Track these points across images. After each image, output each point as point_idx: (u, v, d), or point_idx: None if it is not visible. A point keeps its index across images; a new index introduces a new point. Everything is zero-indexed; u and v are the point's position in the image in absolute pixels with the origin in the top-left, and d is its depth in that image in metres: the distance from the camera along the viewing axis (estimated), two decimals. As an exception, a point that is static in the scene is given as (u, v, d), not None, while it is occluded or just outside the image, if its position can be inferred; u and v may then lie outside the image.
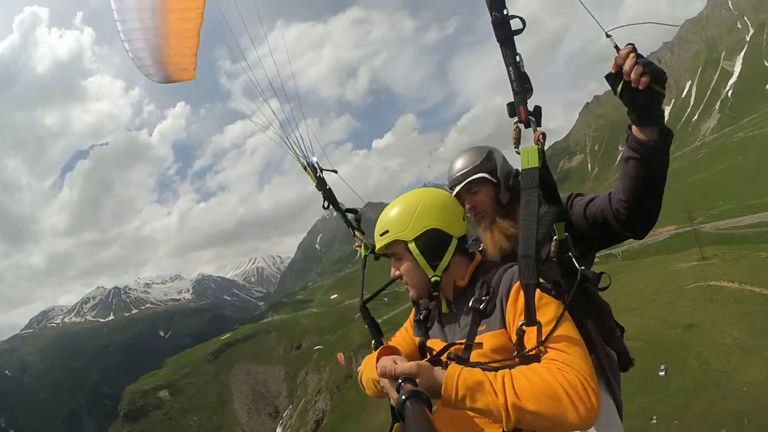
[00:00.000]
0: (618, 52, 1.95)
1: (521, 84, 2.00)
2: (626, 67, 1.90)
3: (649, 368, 41.91)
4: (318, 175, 3.69)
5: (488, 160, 2.84)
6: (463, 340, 2.25)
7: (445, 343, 2.31)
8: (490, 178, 2.81)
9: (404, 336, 2.77)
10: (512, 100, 2.06)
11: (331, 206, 3.66)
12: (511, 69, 2.00)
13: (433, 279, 2.34)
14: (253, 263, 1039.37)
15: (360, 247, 3.30)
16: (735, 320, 47.50)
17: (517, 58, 1.99)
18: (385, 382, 1.91)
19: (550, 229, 2.13)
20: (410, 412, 1.52)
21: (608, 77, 2.01)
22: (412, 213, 2.33)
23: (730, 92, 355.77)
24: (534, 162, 1.96)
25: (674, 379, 42.73)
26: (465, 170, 2.85)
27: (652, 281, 65.11)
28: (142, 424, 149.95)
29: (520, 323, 1.96)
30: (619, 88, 1.98)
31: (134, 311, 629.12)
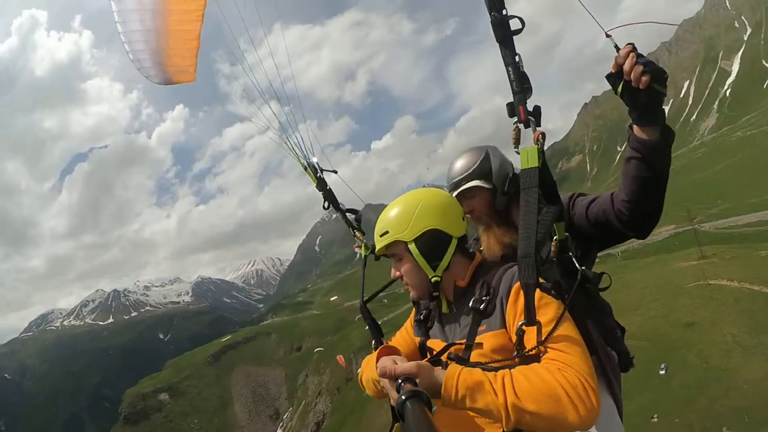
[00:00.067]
0: (618, 51, 1.94)
1: (521, 84, 2.00)
2: (626, 66, 1.90)
3: (649, 367, 41.93)
4: (318, 175, 3.69)
5: (484, 164, 2.82)
6: (464, 340, 2.24)
7: (445, 344, 2.31)
8: (485, 185, 2.79)
9: (404, 336, 2.77)
10: (511, 100, 2.06)
11: (331, 206, 3.67)
12: (510, 69, 2.00)
13: (433, 279, 2.34)
14: (253, 265, 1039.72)
15: (360, 247, 3.30)
16: (735, 318, 47.53)
17: (517, 59, 1.99)
18: (385, 382, 1.91)
19: (550, 229, 2.11)
20: (410, 412, 1.52)
21: (609, 77, 2.00)
22: (411, 213, 2.32)
23: (728, 91, 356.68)
24: (534, 162, 1.96)
25: (675, 377, 42.75)
26: (459, 177, 2.85)
27: (651, 280, 65.10)
28: (143, 426, 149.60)
29: (520, 323, 1.96)
30: (619, 88, 1.98)
31: (134, 314, 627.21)
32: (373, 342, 2.87)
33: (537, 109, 2.02)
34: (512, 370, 1.80)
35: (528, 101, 2.03)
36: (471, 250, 2.58)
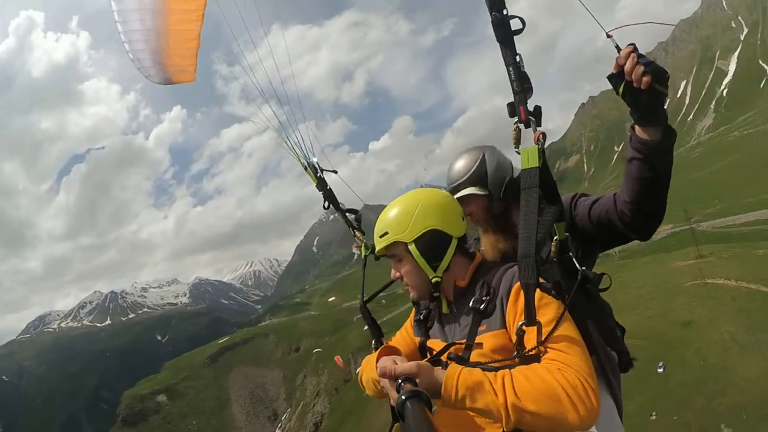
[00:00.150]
0: (619, 52, 1.94)
1: (521, 84, 1.99)
2: (627, 67, 1.89)
3: (647, 365, 42.06)
4: (318, 175, 3.68)
5: (479, 170, 2.78)
6: (464, 340, 2.23)
7: (445, 344, 2.30)
8: (479, 192, 2.76)
9: (404, 336, 2.76)
10: (511, 100, 2.05)
11: (331, 206, 3.64)
12: (511, 69, 1.99)
13: (433, 280, 2.33)
14: (251, 266, 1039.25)
15: (360, 247, 3.29)
16: (732, 317, 47.71)
17: (517, 58, 1.99)
18: (385, 382, 1.90)
19: (550, 229, 2.11)
20: (410, 412, 1.52)
21: (610, 78, 2.00)
22: (411, 214, 2.31)
23: (725, 91, 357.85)
24: (534, 162, 1.96)
25: (673, 375, 42.90)
26: (455, 184, 2.83)
27: (649, 280, 65.28)
28: (141, 428, 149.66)
29: (520, 323, 1.95)
30: (621, 89, 1.97)
31: (131, 315, 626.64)
32: (373, 342, 2.86)
33: (537, 109, 2.02)
34: (512, 370, 1.80)
35: (528, 101, 2.02)
36: (471, 250, 2.57)
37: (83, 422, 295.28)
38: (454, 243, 2.33)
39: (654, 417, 39.03)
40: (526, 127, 2.03)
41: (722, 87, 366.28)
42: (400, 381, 1.77)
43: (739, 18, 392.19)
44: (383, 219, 2.40)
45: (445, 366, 1.88)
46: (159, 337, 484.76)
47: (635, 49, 1.90)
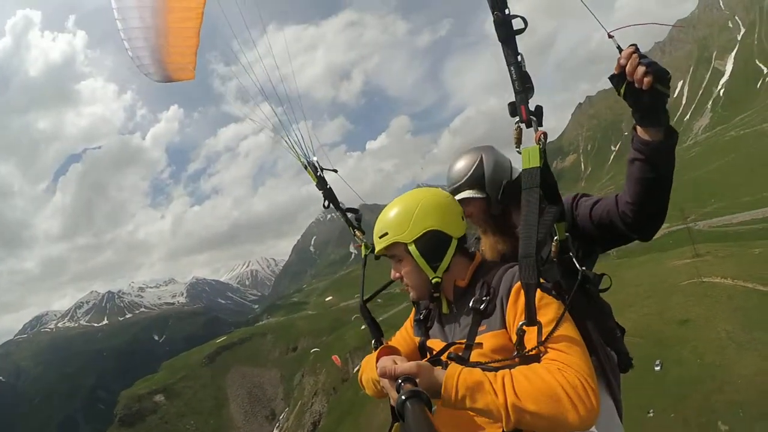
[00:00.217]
0: (620, 52, 1.93)
1: (523, 84, 1.98)
2: (629, 67, 1.89)
3: (644, 363, 42.25)
4: (318, 174, 3.66)
5: (476, 173, 2.79)
6: (464, 340, 2.23)
7: (445, 344, 2.29)
8: (477, 195, 2.77)
9: (404, 336, 2.75)
10: (512, 99, 2.05)
11: (331, 205, 3.62)
12: (512, 69, 1.99)
13: (433, 280, 2.32)
14: (248, 266, 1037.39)
15: (361, 246, 3.28)
16: (728, 315, 47.93)
17: (519, 58, 1.98)
18: (385, 382, 1.90)
19: (550, 229, 2.09)
20: (410, 412, 1.52)
21: (612, 78, 1.99)
22: (411, 214, 2.29)
23: (721, 91, 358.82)
24: (535, 162, 1.96)
25: (670, 373, 43.09)
26: (453, 187, 2.84)
27: (646, 278, 65.43)
28: (138, 428, 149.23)
29: (520, 323, 1.95)
30: (622, 89, 1.96)
31: (128, 315, 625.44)
32: (373, 342, 2.83)
33: (539, 108, 2.01)
34: (512, 370, 1.80)
35: (529, 101, 2.02)
36: (471, 250, 2.56)
37: (80, 422, 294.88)
38: (454, 243, 2.32)
39: (651, 414, 39.22)
40: (528, 127, 2.02)
41: (719, 87, 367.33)
42: (400, 381, 1.77)
43: (736, 18, 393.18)
44: (383, 219, 2.38)
45: (445, 366, 1.87)
46: (156, 337, 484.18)
47: (637, 50, 1.89)
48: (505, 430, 1.76)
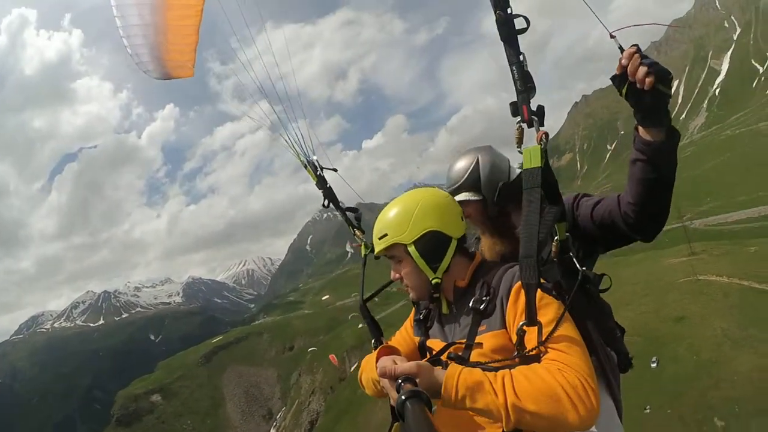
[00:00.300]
0: (622, 52, 1.92)
1: (525, 83, 1.98)
2: (631, 68, 1.88)
3: (641, 360, 42.42)
4: (318, 173, 3.64)
5: (472, 175, 2.79)
6: (464, 340, 2.22)
7: (445, 343, 2.29)
8: (473, 198, 2.77)
9: (404, 336, 2.75)
10: (512, 99, 2.04)
11: (331, 204, 3.60)
12: (514, 68, 1.98)
13: (433, 281, 2.32)
14: (244, 265, 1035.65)
15: (361, 246, 3.26)
16: (724, 312, 48.16)
17: (521, 58, 1.98)
18: (385, 382, 1.90)
19: (551, 230, 2.08)
20: (410, 412, 1.52)
21: (614, 79, 1.97)
22: (410, 215, 2.28)
23: (717, 91, 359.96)
24: (537, 162, 1.94)
25: (666, 370, 43.30)
26: (451, 189, 2.84)
27: (642, 277, 65.63)
28: (136, 428, 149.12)
29: (520, 323, 1.95)
30: (624, 90, 1.95)
31: (124, 315, 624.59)
32: (373, 341, 2.82)
33: (540, 108, 2.01)
34: (512, 370, 1.80)
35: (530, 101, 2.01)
36: (471, 250, 2.56)
37: (77, 422, 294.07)
38: (453, 244, 2.31)
39: (648, 410, 39.42)
40: (529, 127, 2.01)
41: (715, 86, 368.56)
42: (400, 381, 1.77)
43: (732, 18, 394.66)
44: (382, 220, 2.37)
45: (445, 366, 1.87)
46: (152, 337, 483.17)
47: (638, 50, 1.89)
48: (505, 430, 1.76)
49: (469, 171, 2.78)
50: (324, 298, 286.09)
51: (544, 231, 1.96)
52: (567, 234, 2.18)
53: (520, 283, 2.02)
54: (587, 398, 1.68)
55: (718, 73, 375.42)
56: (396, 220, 2.30)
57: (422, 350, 2.54)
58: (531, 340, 1.91)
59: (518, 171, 2.82)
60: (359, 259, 3.15)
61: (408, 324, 2.75)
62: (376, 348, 2.55)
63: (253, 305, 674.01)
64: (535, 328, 1.90)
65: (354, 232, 3.40)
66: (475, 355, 2.15)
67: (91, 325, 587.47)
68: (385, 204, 2.49)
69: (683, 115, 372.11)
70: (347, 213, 3.48)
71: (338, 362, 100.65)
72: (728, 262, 61.71)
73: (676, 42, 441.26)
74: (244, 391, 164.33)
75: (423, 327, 2.60)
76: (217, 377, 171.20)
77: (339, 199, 3.59)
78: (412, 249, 2.27)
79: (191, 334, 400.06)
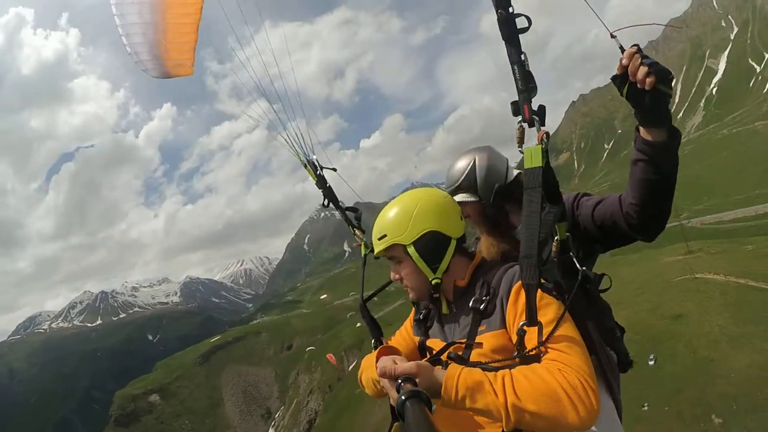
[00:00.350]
0: (623, 52, 1.92)
1: (526, 83, 1.97)
2: (631, 68, 1.88)
3: (639, 358, 42.48)
4: (318, 173, 3.65)
5: (469, 176, 2.82)
6: (464, 340, 2.22)
7: (445, 343, 2.28)
8: (470, 199, 2.80)
9: (404, 335, 2.76)
10: (512, 98, 2.04)
11: (331, 204, 3.61)
12: (516, 67, 1.98)
13: (433, 281, 2.31)
14: (241, 265, 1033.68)
15: (360, 245, 3.26)
16: (721, 310, 48.21)
17: (522, 57, 1.97)
18: (385, 382, 1.90)
19: (551, 229, 2.08)
20: (410, 412, 1.52)
21: (614, 79, 1.96)
22: (409, 216, 2.28)
23: (714, 90, 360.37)
24: (537, 161, 1.94)
25: (664, 367, 43.36)
26: (450, 189, 2.87)
27: (639, 275, 65.66)
28: (134, 428, 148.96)
29: (521, 323, 1.94)
30: (624, 90, 1.95)
31: (122, 315, 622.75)
32: (373, 341, 2.83)
33: (541, 108, 2.00)
34: (512, 370, 1.80)
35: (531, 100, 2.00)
36: (471, 249, 2.57)
37: (76, 423, 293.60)
38: (453, 244, 2.31)
39: (646, 407, 39.51)
40: (530, 127, 2.00)
41: (712, 85, 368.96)
42: (400, 381, 1.77)
43: (729, 17, 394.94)
44: (381, 221, 2.36)
45: (445, 366, 1.87)
46: (150, 337, 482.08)
47: (639, 50, 1.88)
48: (505, 430, 1.75)
49: (466, 172, 2.80)
50: (322, 297, 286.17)
51: (544, 231, 1.95)
52: (567, 234, 2.16)
53: (520, 283, 2.01)
54: (587, 398, 1.68)
55: (715, 72, 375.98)
56: (395, 221, 2.30)
57: (422, 350, 2.54)
58: (531, 340, 1.91)
59: (516, 172, 2.84)
60: (357, 257, 3.18)
61: (408, 324, 2.75)
62: (376, 348, 2.56)
63: (251, 305, 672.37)
64: (536, 328, 1.90)
65: (354, 231, 3.41)
66: (475, 355, 2.14)
67: (89, 325, 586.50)
68: (383, 203, 2.50)
69: (680, 114, 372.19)
70: (347, 212, 3.49)
71: (336, 361, 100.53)
72: (725, 260, 61.79)
73: (673, 41, 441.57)
74: (243, 390, 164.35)
75: (423, 327, 2.60)
76: (216, 377, 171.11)
77: (338, 199, 3.61)
78: (411, 250, 2.26)
79: (189, 334, 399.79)
